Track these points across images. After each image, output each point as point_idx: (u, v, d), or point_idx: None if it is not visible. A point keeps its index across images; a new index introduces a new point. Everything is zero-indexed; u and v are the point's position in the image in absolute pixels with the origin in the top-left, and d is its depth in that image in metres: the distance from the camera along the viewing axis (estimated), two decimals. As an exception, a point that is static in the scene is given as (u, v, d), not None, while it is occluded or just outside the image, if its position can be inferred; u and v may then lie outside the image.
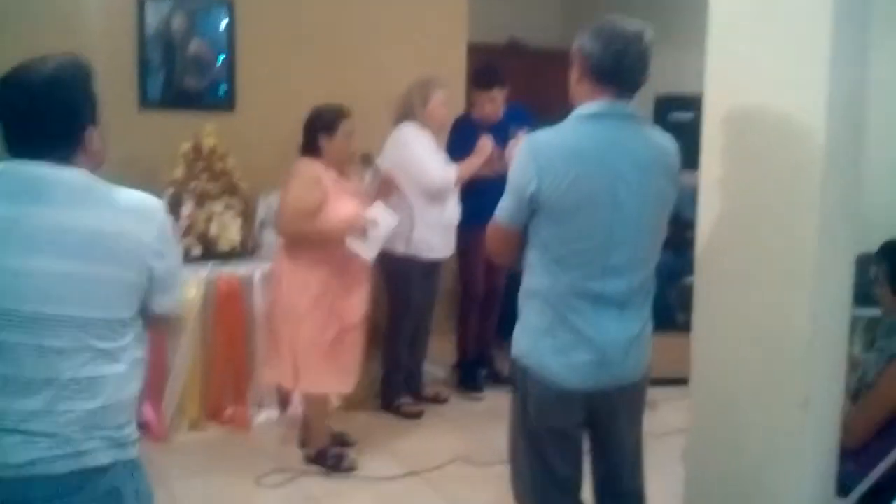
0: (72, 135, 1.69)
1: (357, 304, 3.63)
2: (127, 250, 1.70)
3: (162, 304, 1.81)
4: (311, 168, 3.54)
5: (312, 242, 3.53)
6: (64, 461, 1.65)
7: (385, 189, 3.82)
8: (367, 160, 3.84)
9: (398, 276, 4.07)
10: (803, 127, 2.27)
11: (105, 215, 1.68)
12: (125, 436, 1.75)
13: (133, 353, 1.76)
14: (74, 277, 1.63)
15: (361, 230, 3.52)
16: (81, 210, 1.66)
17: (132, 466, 1.77)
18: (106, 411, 1.70)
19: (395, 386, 4.30)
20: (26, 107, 1.65)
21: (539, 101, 4.67)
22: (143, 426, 3.89)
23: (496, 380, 4.73)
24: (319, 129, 3.57)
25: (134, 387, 1.77)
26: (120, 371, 1.72)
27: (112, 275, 1.68)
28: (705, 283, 2.57)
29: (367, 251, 3.56)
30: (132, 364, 1.76)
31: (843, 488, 2.57)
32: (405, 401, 4.35)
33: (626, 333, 2.21)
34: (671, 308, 4.37)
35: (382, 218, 3.61)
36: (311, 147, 3.59)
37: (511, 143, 4.14)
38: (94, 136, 1.72)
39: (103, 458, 1.70)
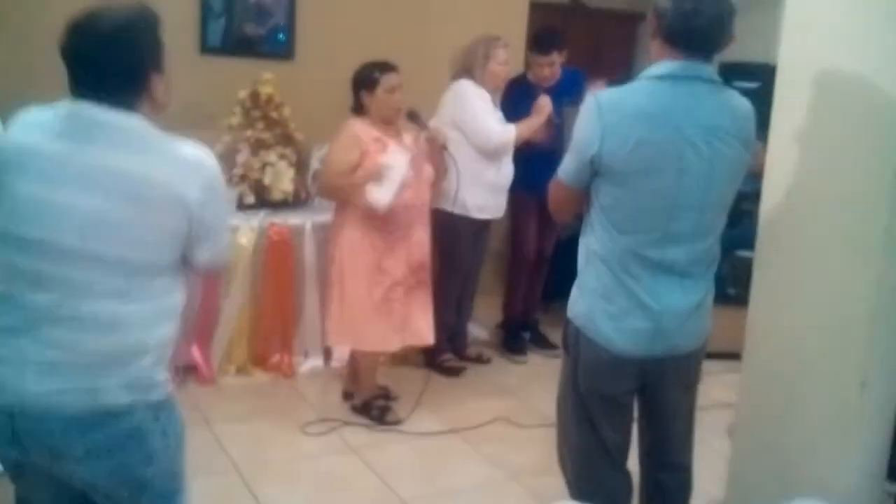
0: (137, 81, 1.71)
1: (404, 259, 3.62)
2: (172, 199, 1.71)
3: (204, 254, 1.83)
4: (352, 128, 3.53)
5: (346, 197, 3.53)
6: (80, 395, 1.68)
7: (432, 147, 3.77)
8: (412, 116, 3.76)
9: (447, 234, 4.05)
10: (882, 98, 2.19)
11: (155, 163, 1.70)
12: (148, 377, 1.76)
13: (165, 299, 1.78)
14: (116, 218, 1.67)
15: (373, 174, 3.44)
16: (133, 156, 1.69)
17: (158, 408, 1.79)
18: (127, 351, 1.72)
19: (439, 344, 4.29)
20: (94, 52, 1.68)
21: (601, 63, 4.60)
22: (191, 368, 3.97)
23: (540, 344, 4.74)
24: (361, 86, 3.55)
25: (164, 331, 1.79)
26: (146, 314, 1.75)
27: (153, 220, 1.71)
28: (767, 255, 2.51)
29: (382, 195, 3.43)
30: (162, 309, 1.78)
31: (894, 471, 2.53)
32: (447, 357, 4.37)
33: (684, 303, 2.17)
34: (723, 281, 4.30)
35: (395, 159, 3.48)
36: (356, 105, 3.59)
37: (567, 106, 4.13)
38: (158, 83, 1.75)
39: (121, 398, 1.72)
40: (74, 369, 1.67)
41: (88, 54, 1.68)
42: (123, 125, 1.69)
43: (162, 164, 1.71)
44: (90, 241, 1.66)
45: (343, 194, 3.54)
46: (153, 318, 1.76)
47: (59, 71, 1.71)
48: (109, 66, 1.68)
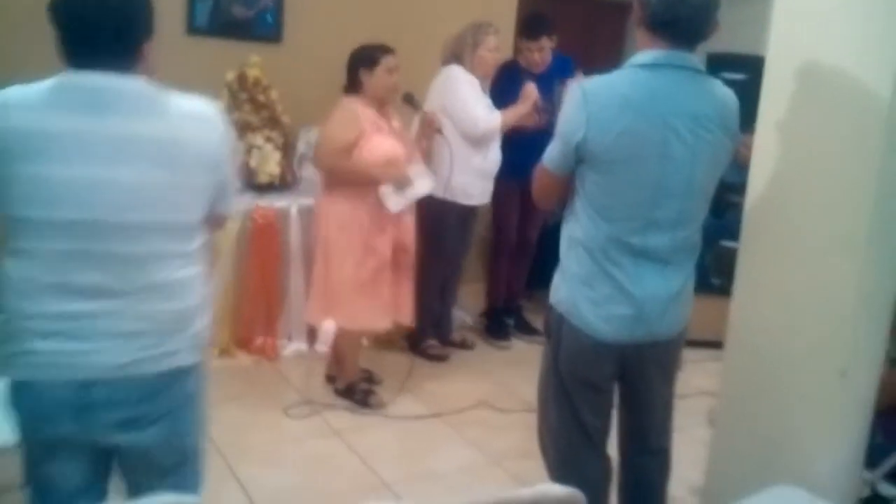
0: (132, 46, 1.69)
1: (391, 239, 3.63)
2: (199, 155, 1.74)
3: (226, 205, 1.88)
4: (350, 105, 3.53)
5: (347, 179, 3.53)
6: (156, 361, 1.74)
7: (427, 130, 3.79)
8: (409, 99, 3.81)
9: (433, 220, 4.05)
10: (868, 92, 2.20)
11: (175, 123, 1.71)
12: (203, 338, 1.84)
13: (205, 256, 1.84)
14: (153, 184, 1.68)
15: (398, 181, 3.51)
16: (154, 119, 1.69)
17: (201, 370, 1.87)
18: (189, 313, 1.79)
19: (422, 329, 4.31)
20: (90, 16, 1.65)
21: (590, 51, 4.60)
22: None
23: (523, 330, 4.76)
24: (360, 65, 3.55)
25: (208, 290, 1.85)
26: (197, 273, 1.81)
27: (186, 180, 1.73)
28: (752, 245, 2.53)
29: (395, 203, 3.54)
30: (203, 268, 1.84)
31: (872, 460, 2.56)
32: (432, 343, 4.38)
33: (666, 290, 2.18)
34: (706, 270, 4.34)
35: (420, 180, 3.60)
36: (352, 84, 3.59)
37: (555, 92, 4.14)
38: (151, 49, 1.74)
39: (189, 359, 1.80)
40: (148, 337, 1.73)
41: (84, 18, 1.64)
42: (131, 89, 1.68)
43: (182, 124, 1.72)
44: (135, 213, 1.68)
45: (349, 179, 3.53)
46: (200, 277, 1.82)
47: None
48: (106, 30, 1.65)
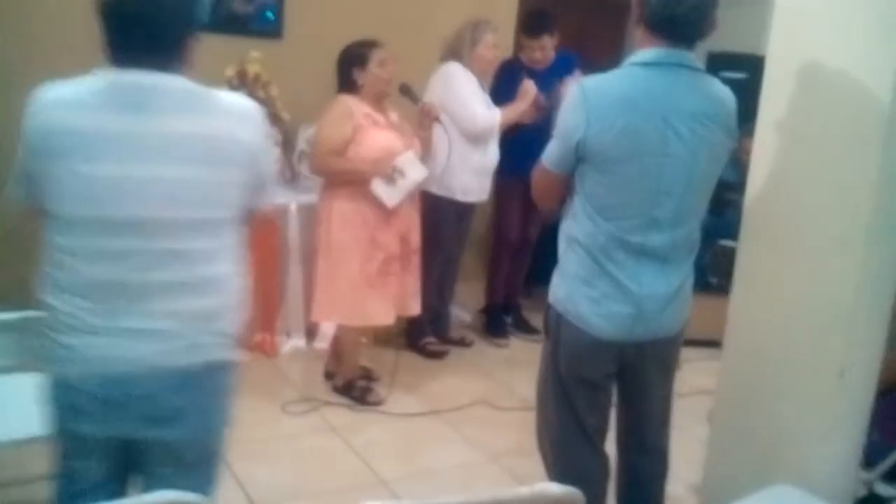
0: (178, 43, 1.70)
1: (397, 233, 3.62)
2: (239, 152, 1.76)
3: (265, 200, 1.91)
4: (343, 104, 3.52)
5: (342, 179, 3.52)
6: (188, 355, 1.75)
7: (426, 120, 3.78)
8: (405, 90, 3.78)
9: (431, 216, 4.04)
10: (868, 92, 2.21)
11: (217, 121, 1.73)
12: (232, 333, 1.84)
13: (238, 254, 1.84)
14: (199, 181, 1.70)
15: (386, 174, 3.49)
16: (197, 117, 1.70)
17: (232, 367, 1.88)
18: (223, 309, 1.80)
19: (421, 326, 4.31)
20: (146, 16, 1.65)
21: (589, 49, 4.59)
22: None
23: (522, 328, 4.76)
24: (351, 64, 3.54)
25: (241, 285, 1.85)
26: (233, 269, 1.82)
27: (227, 177, 1.75)
28: (750, 245, 2.54)
29: (389, 197, 3.51)
30: (238, 264, 1.84)
31: (869, 460, 2.56)
32: (430, 340, 4.38)
33: (665, 288, 2.19)
34: (705, 269, 4.34)
35: (410, 168, 3.55)
36: (345, 83, 3.57)
37: (555, 90, 4.13)
38: (193, 48, 1.75)
39: (220, 355, 1.81)
40: (182, 333, 1.74)
41: (135, 17, 1.64)
42: (176, 87, 1.69)
43: (222, 121, 1.74)
44: (183, 210, 1.69)
45: (342, 178, 3.52)
46: (235, 273, 1.83)
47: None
48: (154, 28, 1.66)
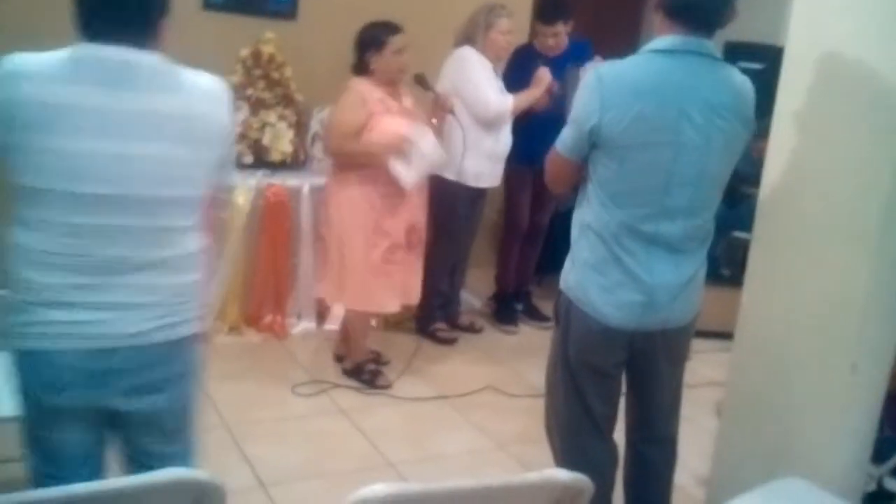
0: (150, 21, 1.70)
1: (404, 221, 3.62)
2: (213, 131, 1.79)
3: (229, 177, 1.96)
4: (358, 87, 3.51)
5: (358, 162, 3.52)
6: (170, 330, 1.80)
7: (439, 111, 3.77)
8: (420, 80, 3.78)
9: (442, 201, 4.03)
10: (887, 84, 2.18)
11: (188, 99, 1.74)
12: (202, 308, 1.90)
13: (212, 230, 1.91)
14: (175, 160, 1.72)
15: (401, 152, 3.46)
16: (173, 95, 1.72)
17: (203, 338, 1.93)
18: (196, 284, 1.85)
19: (431, 311, 4.31)
20: None
21: (606, 36, 4.56)
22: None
23: (532, 315, 4.75)
24: (368, 46, 3.52)
25: (213, 262, 1.91)
26: (203, 246, 1.86)
27: (201, 155, 1.77)
28: (764, 237, 2.52)
29: (407, 176, 3.49)
30: (204, 241, 1.88)
31: (879, 455, 2.55)
32: (440, 325, 4.38)
33: (677, 277, 2.17)
34: (717, 261, 4.32)
35: (425, 143, 3.51)
36: (360, 65, 3.56)
37: (570, 76, 4.10)
38: (166, 27, 1.74)
39: (193, 328, 1.86)
40: (159, 307, 1.78)
41: None
42: (149, 64, 1.69)
43: (197, 99, 1.76)
44: (161, 188, 1.72)
45: (357, 160, 3.51)
46: (205, 250, 1.87)
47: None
48: (126, 3, 1.66)
